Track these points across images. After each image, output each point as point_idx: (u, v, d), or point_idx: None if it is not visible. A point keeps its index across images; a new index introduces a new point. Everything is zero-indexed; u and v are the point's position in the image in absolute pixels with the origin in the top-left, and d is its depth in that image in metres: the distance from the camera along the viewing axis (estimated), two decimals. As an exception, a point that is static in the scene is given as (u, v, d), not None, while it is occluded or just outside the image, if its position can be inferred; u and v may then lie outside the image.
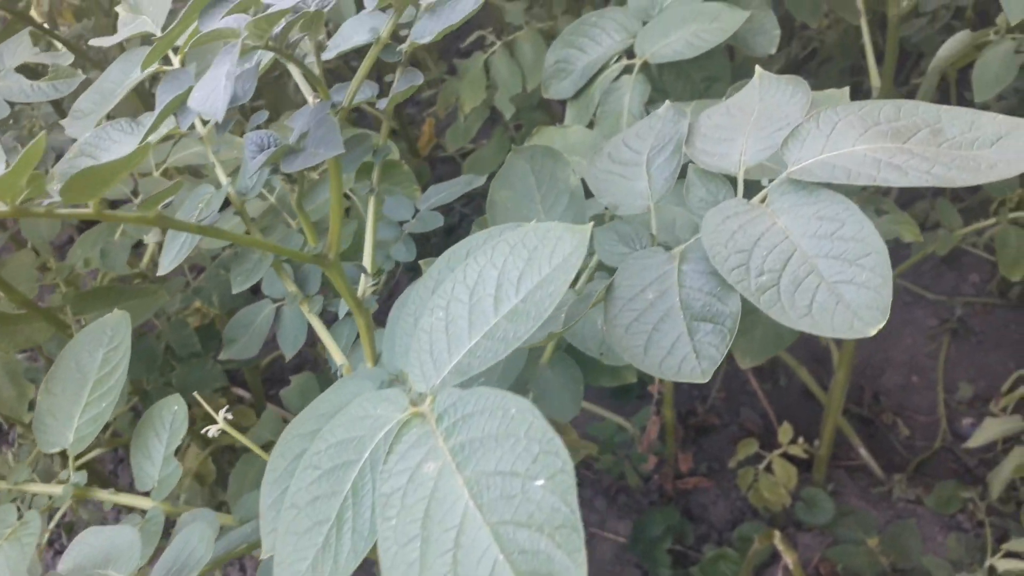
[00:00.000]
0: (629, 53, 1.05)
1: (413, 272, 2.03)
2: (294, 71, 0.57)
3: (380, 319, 1.20)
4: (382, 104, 0.63)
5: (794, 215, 0.52)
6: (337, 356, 0.65)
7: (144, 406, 1.18)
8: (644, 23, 1.05)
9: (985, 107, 1.34)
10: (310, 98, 0.53)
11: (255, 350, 0.87)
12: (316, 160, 0.49)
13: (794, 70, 2.70)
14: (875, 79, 1.38)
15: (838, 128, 0.57)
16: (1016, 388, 2.09)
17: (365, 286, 0.68)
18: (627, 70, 1.03)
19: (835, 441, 1.79)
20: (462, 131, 1.52)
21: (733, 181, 0.59)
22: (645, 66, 1.01)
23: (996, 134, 0.55)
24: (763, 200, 0.56)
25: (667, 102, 0.69)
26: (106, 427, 1.21)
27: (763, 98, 0.65)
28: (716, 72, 1.05)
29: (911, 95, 2.48)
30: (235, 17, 0.45)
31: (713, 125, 0.64)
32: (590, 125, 1.05)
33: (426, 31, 0.60)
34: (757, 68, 0.67)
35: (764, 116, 0.62)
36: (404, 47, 0.59)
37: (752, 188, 0.59)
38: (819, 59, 2.58)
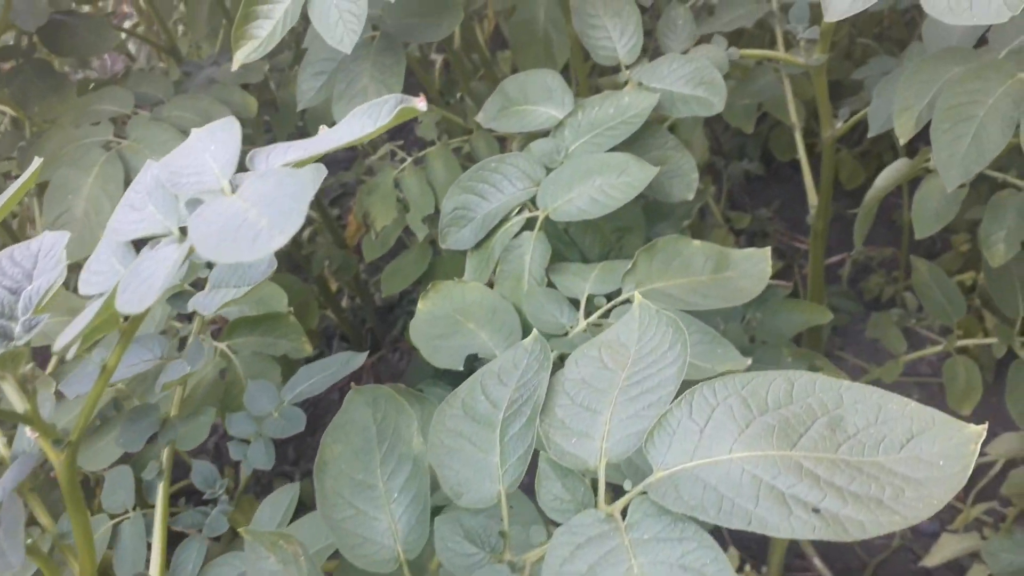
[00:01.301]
0: (534, 203, 0.94)
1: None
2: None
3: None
4: (160, 385, 0.52)
5: (654, 557, 0.42)
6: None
7: None
8: (549, 170, 0.95)
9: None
10: (27, 431, 0.42)
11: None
12: (-5, 566, 0.37)
13: (745, 134, 2.61)
14: (812, 196, 1.30)
15: (715, 418, 0.46)
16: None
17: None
18: (529, 224, 0.93)
19: (789, 550, 1.69)
20: (377, 244, 1.42)
21: (593, 477, 0.48)
22: (548, 221, 0.91)
23: (907, 432, 0.45)
24: (623, 511, 0.46)
25: (535, 331, 0.59)
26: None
27: (640, 339, 0.55)
28: (629, 222, 0.96)
29: (864, 156, 2.42)
30: None
31: (579, 380, 0.53)
32: (492, 283, 0.95)
33: (223, 281, 0.49)
34: (636, 295, 0.57)
35: (637, 376, 0.52)
36: (201, 310, 0.49)
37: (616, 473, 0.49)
38: (770, 122, 2.53)
